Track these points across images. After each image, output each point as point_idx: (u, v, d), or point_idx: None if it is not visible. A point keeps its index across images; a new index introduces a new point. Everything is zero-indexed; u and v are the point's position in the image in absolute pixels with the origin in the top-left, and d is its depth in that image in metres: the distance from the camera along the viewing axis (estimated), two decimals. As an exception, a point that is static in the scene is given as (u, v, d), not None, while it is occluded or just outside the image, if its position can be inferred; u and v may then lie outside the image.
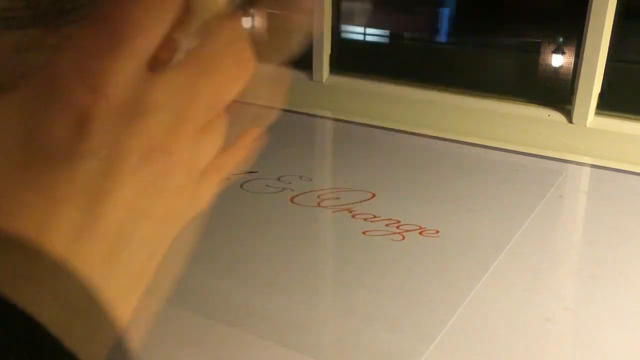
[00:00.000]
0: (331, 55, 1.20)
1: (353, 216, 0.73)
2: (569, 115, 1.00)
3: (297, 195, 0.78)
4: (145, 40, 0.21)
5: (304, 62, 1.23)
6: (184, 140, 0.23)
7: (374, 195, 0.78)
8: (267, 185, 0.81)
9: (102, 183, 0.21)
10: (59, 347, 0.20)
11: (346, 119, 1.12)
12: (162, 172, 0.22)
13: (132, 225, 0.22)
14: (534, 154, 0.96)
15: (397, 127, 1.07)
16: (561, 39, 1.10)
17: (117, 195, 0.21)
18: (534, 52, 1.15)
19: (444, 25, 1.32)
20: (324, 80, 1.21)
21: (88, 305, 0.21)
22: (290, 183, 0.81)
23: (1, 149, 0.21)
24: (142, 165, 0.22)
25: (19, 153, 0.20)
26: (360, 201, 0.77)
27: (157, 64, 0.22)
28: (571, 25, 1.06)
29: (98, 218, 0.21)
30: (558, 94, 1.05)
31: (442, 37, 1.33)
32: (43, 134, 0.20)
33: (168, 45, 0.23)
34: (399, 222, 0.71)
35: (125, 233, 0.22)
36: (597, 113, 0.99)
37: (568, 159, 0.96)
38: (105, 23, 0.21)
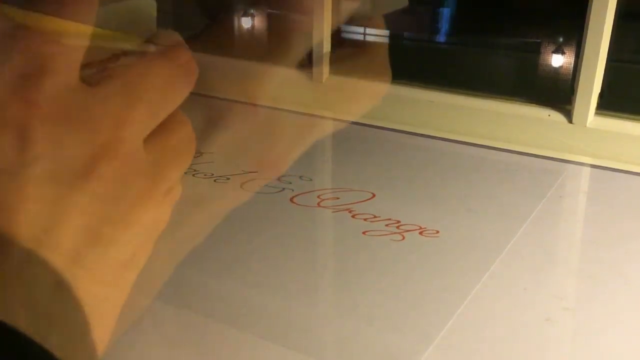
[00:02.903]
0: (331, 55, 1.20)
1: (353, 216, 0.73)
2: (569, 115, 1.00)
3: (297, 195, 0.78)
4: (68, 56, 0.22)
5: (303, 62, 1.23)
6: (129, 144, 0.23)
7: (374, 195, 0.78)
8: (266, 185, 0.81)
9: (54, 189, 0.21)
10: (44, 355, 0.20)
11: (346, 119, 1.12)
12: (113, 178, 0.23)
13: (96, 229, 0.22)
14: (534, 154, 0.96)
15: (397, 127, 1.07)
16: (561, 39, 1.10)
17: (72, 200, 0.22)
18: (534, 52, 1.15)
19: (444, 25, 1.32)
20: (323, 80, 1.20)
21: (65, 312, 0.22)
22: (290, 183, 0.81)
23: None
24: (92, 172, 0.22)
25: None
26: (360, 201, 0.77)
27: (98, 77, 0.23)
28: (571, 25, 1.06)
29: (58, 223, 0.21)
30: (558, 94, 1.05)
31: (442, 37, 1.33)
32: None
33: (110, 59, 0.24)
34: (399, 222, 0.71)
35: (91, 237, 0.22)
36: (597, 113, 0.99)
37: (568, 159, 0.95)
38: (26, 47, 0.22)
